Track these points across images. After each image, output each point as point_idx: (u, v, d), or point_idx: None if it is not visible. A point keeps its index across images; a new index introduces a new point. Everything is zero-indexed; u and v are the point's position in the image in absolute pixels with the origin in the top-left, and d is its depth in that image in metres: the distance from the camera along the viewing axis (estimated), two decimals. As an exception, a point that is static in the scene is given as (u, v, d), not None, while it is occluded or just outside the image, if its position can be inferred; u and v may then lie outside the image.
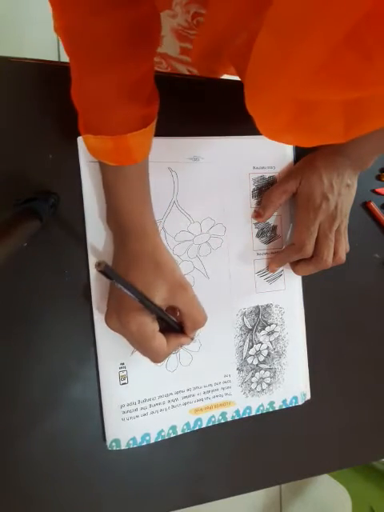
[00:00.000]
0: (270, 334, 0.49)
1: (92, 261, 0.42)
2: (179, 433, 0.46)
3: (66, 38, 0.30)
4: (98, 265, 0.33)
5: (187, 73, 0.57)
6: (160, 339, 0.37)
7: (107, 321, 0.40)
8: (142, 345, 0.38)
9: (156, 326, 0.38)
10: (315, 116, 0.30)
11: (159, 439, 0.45)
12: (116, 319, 0.39)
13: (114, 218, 0.40)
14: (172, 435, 0.45)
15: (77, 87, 0.33)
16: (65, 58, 0.33)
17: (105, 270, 0.34)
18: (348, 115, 0.29)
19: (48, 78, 0.40)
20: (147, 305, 0.37)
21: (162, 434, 0.45)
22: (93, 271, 0.42)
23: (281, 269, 0.49)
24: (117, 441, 0.43)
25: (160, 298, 0.38)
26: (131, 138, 0.34)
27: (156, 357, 0.38)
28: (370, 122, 0.28)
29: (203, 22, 0.36)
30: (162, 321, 0.39)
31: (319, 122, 0.30)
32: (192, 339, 0.41)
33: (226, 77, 0.51)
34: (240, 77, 0.41)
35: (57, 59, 1.19)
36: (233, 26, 0.35)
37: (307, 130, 0.32)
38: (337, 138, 0.31)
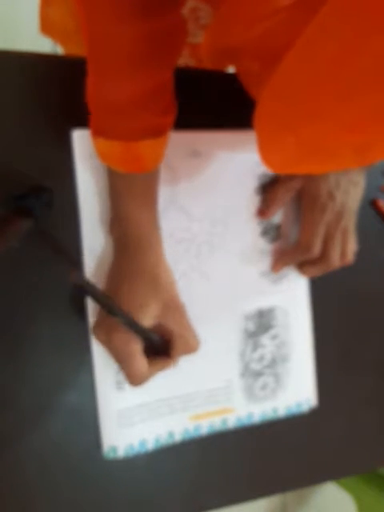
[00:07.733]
0: (274, 337, 0.48)
1: (88, 261, 0.41)
2: (177, 439, 0.45)
3: (88, 41, 0.30)
4: (73, 276, 0.28)
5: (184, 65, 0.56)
6: (140, 362, 0.36)
7: (95, 332, 0.39)
8: (121, 363, 0.37)
9: (139, 347, 0.36)
10: (325, 151, 0.30)
11: (157, 446, 0.44)
12: (104, 331, 0.38)
13: (119, 227, 0.39)
14: (170, 442, 0.44)
15: (92, 89, 0.33)
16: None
17: (81, 283, 0.28)
18: (356, 147, 0.30)
19: (43, 71, 0.40)
20: (125, 320, 0.35)
21: (160, 440, 0.44)
22: (89, 271, 0.41)
23: (286, 269, 0.48)
24: (114, 448, 0.42)
25: (152, 314, 0.37)
26: (142, 145, 0.34)
27: (133, 379, 0.37)
28: (379, 151, 0.29)
29: (210, 29, 0.37)
30: (149, 342, 0.38)
31: (329, 155, 0.31)
32: (176, 363, 0.40)
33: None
34: (245, 87, 0.41)
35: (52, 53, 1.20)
36: (236, 48, 0.36)
37: (318, 163, 0.33)
38: (348, 165, 0.33)
